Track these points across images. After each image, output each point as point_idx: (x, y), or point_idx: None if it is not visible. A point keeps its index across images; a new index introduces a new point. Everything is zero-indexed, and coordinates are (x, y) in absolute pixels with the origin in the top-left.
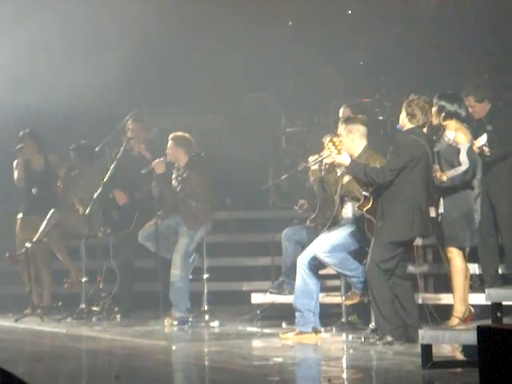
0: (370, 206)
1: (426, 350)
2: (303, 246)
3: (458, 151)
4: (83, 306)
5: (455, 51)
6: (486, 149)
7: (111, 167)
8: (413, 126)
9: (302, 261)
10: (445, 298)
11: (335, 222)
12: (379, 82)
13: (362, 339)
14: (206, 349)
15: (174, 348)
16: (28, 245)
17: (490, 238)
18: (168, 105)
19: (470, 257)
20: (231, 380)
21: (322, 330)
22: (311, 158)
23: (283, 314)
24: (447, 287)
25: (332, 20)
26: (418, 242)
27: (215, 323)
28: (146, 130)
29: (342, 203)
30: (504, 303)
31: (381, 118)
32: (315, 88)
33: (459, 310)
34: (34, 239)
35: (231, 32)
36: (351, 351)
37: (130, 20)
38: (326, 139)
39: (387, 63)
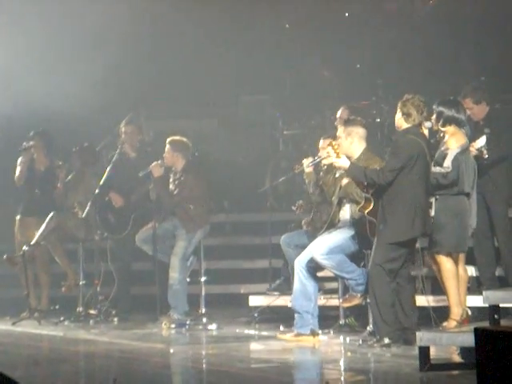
0: (371, 207)
1: (424, 352)
2: (304, 248)
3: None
4: (81, 309)
5: (452, 53)
6: (484, 151)
7: (107, 170)
8: (409, 125)
9: (300, 263)
10: (442, 301)
11: (333, 224)
12: (376, 84)
13: (360, 341)
14: (204, 351)
15: (171, 351)
16: (26, 247)
17: (486, 240)
18: (164, 108)
19: (467, 259)
20: (229, 383)
21: (320, 332)
22: (305, 161)
23: (281, 317)
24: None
25: (329, 22)
26: (416, 244)
27: (213, 326)
28: (138, 132)
29: (340, 205)
30: (501, 305)
31: (378, 120)
32: (312, 90)
33: (456, 313)
34: (33, 242)
35: (228, 34)
36: (349, 354)
37: (127, 22)
38: (324, 142)
39: (384, 66)
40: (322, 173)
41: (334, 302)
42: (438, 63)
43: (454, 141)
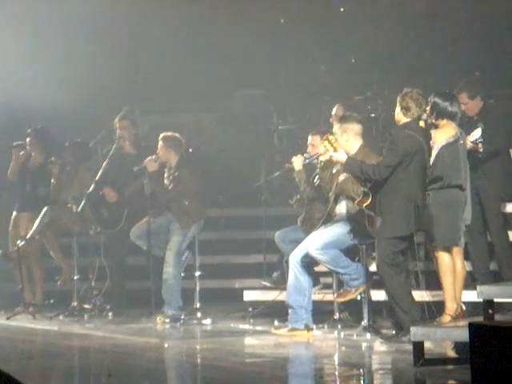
0: (369, 201)
1: (418, 347)
2: (300, 243)
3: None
4: (75, 303)
5: (447, 48)
6: (479, 145)
7: (103, 165)
8: (408, 119)
9: (295, 258)
10: (437, 295)
11: (329, 219)
12: (371, 79)
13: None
14: (199, 346)
15: (166, 345)
16: (20, 242)
17: (480, 235)
18: (159, 102)
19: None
20: (223, 377)
21: (314, 327)
22: (295, 159)
23: (275, 312)
24: (438, 284)
25: (324, 17)
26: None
27: (207, 321)
28: (133, 127)
29: (336, 201)
30: (495, 300)
31: (373, 115)
32: (307, 85)
33: (450, 308)
34: (27, 236)
35: (222, 29)
36: (343, 348)
37: (121, 18)
38: (312, 138)
39: (379, 61)
40: (318, 169)
41: (329, 296)
42: (433, 58)
43: (440, 134)
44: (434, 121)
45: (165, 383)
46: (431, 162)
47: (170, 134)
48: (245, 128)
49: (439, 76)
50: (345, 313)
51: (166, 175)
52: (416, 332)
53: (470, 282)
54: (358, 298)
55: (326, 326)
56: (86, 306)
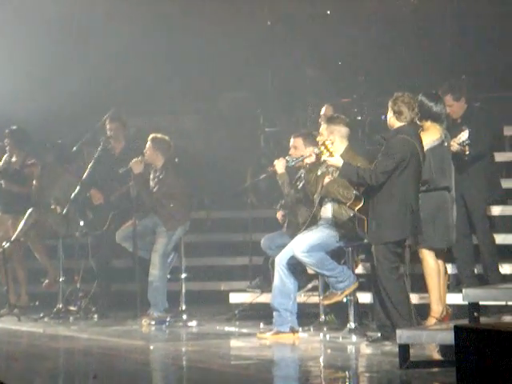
0: (361, 205)
1: (404, 349)
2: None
3: None
4: (60, 305)
5: (433, 51)
6: (466, 147)
7: (89, 166)
8: (401, 123)
9: (280, 260)
10: (422, 298)
11: (314, 222)
12: (358, 82)
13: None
14: (184, 348)
15: (151, 348)
16: (5, 244)
17: (465, 238)
18: (145, 104)
19: (446, 257)
20: (209, 380)
21: (300, 329)
22: (277, 162)
23: (261, 314)
24: (424, 287)
25: (311, 20)
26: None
27: (193, 323)
28: (124, 128)
29: (321, 203)
30: (481, 303)
31: (359, 118)
32: (293, 87)
33: (436, 310)
34: (12, 238)
35: (208, 31)
36: (329, 351)
37: (108, 19)
38: (294, 140)
39: (366, 63)
40: (304, 171)
41: (315, 299)
42: (419, 61)
43: (424, 137)
44: (418, 122)
45: None
46: None
47: (159, 135)
48: (231, 130)
49: (425, 79)
50: (330, 315)
51: (151, 177)
52: (401, 334)
53: (455, 285)
54: (344, 300)
55: (311, 329)
56: (72, 308)
